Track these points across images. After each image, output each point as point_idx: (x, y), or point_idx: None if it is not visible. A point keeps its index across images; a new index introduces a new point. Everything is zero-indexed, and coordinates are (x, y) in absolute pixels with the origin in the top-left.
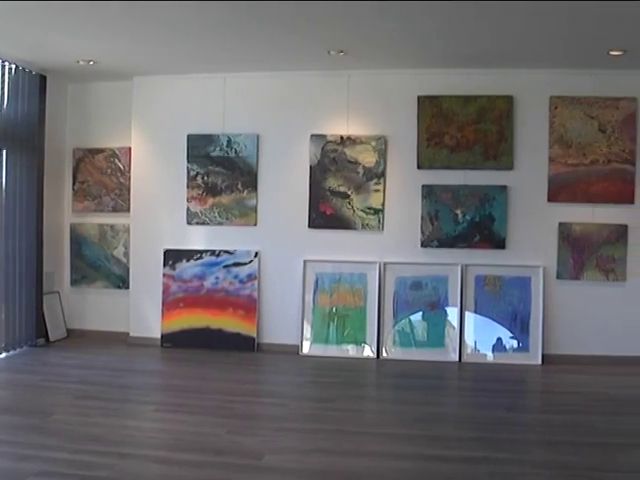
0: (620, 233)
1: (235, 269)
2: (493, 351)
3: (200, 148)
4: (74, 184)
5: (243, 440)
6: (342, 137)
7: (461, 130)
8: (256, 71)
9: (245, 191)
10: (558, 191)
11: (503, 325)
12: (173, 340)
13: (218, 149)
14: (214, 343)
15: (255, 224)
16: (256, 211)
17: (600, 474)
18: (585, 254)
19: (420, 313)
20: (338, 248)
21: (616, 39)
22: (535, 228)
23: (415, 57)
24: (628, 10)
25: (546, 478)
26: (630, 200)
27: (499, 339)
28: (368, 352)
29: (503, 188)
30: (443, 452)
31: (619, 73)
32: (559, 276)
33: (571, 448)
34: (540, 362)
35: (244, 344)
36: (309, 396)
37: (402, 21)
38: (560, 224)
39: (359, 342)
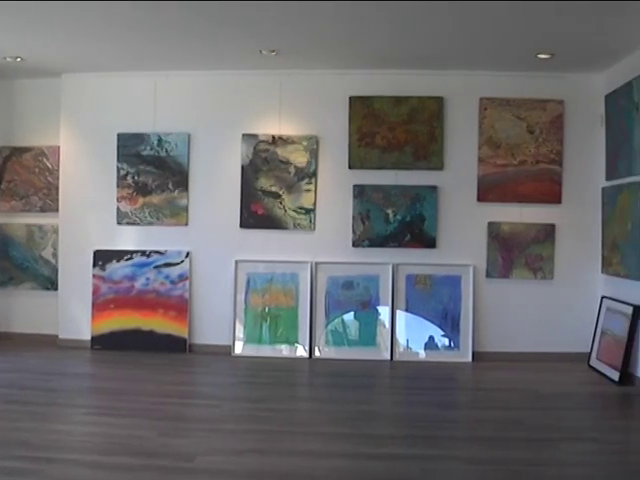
0: (548, 232)
1: (166, 269)
2: (425, 349)
3: (130, 147)
4: (0, 183)
5: (175, 442)
6: (274, 137)
7: (392, 130)
8: (187, 70)
9: (176, 191)
10: (487, 191)
11: (434, 323)
12: (103, 342)
13: (149, 148)
14: (145, 345)
15: (186, 224)
16: (187, 211)
17: (529, 468)
18: (514, 253)
19: (352, 312)
20: (270, 248)
21: (544, 43)
22: (465, 227)
23: (347, 58)
24: (556, 14)
25: (477, 473)
26: (557, 200)
27: (431, 337)
28: (301, 352)
29: (433, 188)
30: (376, 450)
31: (547, 76)
32: (489, 275)
33: (501, 443)
34: (471, 359)
35: (176, 345)
36: (242, 397)
37: (333, 22)
38: (489, 223)
39: (292, 342)
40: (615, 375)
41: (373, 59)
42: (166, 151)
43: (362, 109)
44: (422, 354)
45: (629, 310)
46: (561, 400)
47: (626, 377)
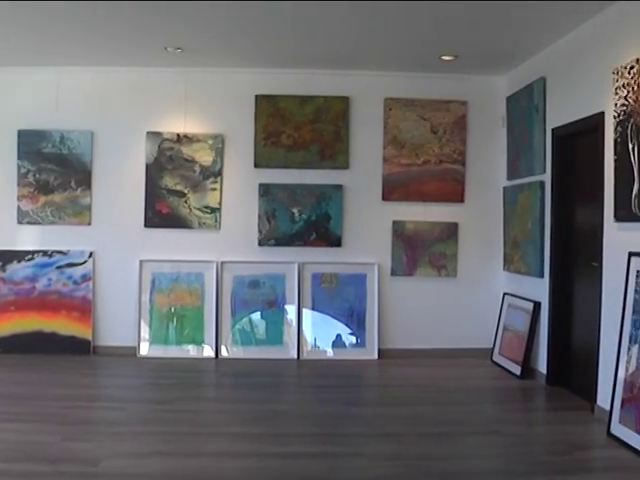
0: (451, 231)
1: (69, 270)
2: (333, 347)
3: (31, 144)
4: None
5: (78, 447)
6: (179, 135)
7: (298, 130)
8: (90, 66)
9: (79, 189)
10: (392, 190)
11: (341, 321)
12: (4, 345)
13: (50, 146)
14: (48, 347)
15: (89, 223)
16: (90, 210)
17: (434, 462)
18: (418, 251)
19: (259, 312)
20: (175, 247)
21: (448, 45)
22: (370, 226)
23: (253, 57)
24: (459, 16)
25: (384, 470)
26: (460, 199)
27: (338, 335)
28: (208, 352)
29: (339, 187)
30: (283, 449)
31: (451, 77)
32: (393, 273)
33: (407, 439)
34: (376, 357)
35: (79, 347)
36: (147, 398)
37: (239, 21)
38: (394, 222)
39: (198, 342)
40: (517, 369)
41: (279, 58)
42: (69, 149)
43: (268, 108)
44: (330, 352)
45: (530, 306)
46: (465, 395)
47: (527, 371)
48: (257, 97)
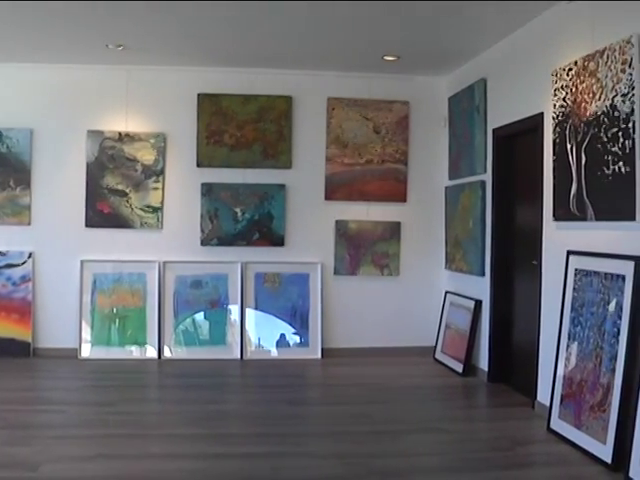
0: (394, 230)
1: (7, 271)
2: (277, 347)
3: None
4: None
5: (17, 451)
6: (120, 134)
7: (241, 129)
8: (29, 62)
9: (18, 188)
10: (335, 190)
11: (284, 321)
12: None
13: None
14: None
15: (29, 223)
16: (30, 209)
17: (377, 460)
18: (361, 250)
19: (202, 312)
20: (116, 247)
21: (390, 45)
22: (313, 226)
23: (196, 55)
24: (401, 17)
25: (327, 468)
26: (403, 199)
27: (282, 335)
28: (151, 353)
29: (282, 187)
30: (227, 449)
31: (393, 77)
32: (336, 272)
33: (350, 437)
34: (320, 356)
35: (19, 350)
36: (89, 401)
37: (180, 20)
38: (337, 222)
39: (141, 343)
40: (459, 367)
41: (222, 57)
42: (7, 147)
43: (211, 107)
44: (274, 352)
45: (471, 304)
46: (408, 393)
47: (469, 368)
48: (200, 96)
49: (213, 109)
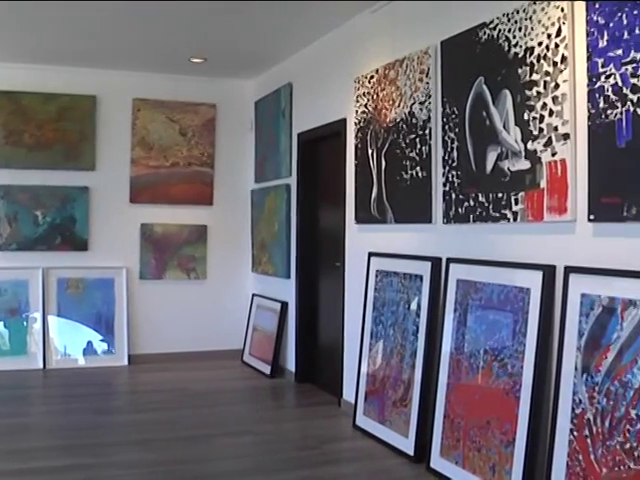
0: (200, 233)
1: None
2: (84, 355)
3: None
4: None
5: None
6: None
7: (41, 129)
8: None
9: None
10: (140, 192)
11: (90, 328)
12: None
13: None
14: None
15: None
16: None
17: (187, 466)
18: (167, 254)
19: (1, 321)
20: None
21: (197, 47)
22: (118, 229)
23: None
24: (205, 18)
25: (137, 477)
26: (209, 202)
27: (89, 342)
28: None
29: (85, 189)
30: (29, 465)
31: (200, 80)
32: (142, 276)
33: (160, 444)
34: (127, 363)
35: None
36: None
37: None
38: (142, 225)
39: None
40: (267, 369)
41: (19, 53)
42: None
43: (8, 105)
44: (81, 360)
45: (277, 306)
46: (216, 397)
47: (277, 370)
48: None
49: (11, 107)
